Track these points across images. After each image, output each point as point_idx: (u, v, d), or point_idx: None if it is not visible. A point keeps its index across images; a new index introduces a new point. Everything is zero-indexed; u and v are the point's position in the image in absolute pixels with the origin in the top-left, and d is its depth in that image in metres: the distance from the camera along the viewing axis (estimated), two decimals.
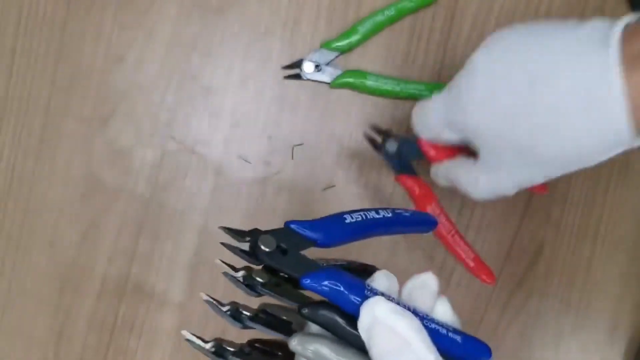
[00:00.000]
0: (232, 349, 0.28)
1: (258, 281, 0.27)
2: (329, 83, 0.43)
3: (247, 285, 0.28)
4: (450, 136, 0.36)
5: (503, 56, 0.32)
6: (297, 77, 0.44)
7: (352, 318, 0.26)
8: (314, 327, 0.28)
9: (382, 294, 0.26)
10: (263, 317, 0.29)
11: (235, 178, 0.44)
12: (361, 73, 0.43)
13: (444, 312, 0.28)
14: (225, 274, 0.28)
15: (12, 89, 0.44)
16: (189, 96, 0.44)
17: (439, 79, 0.43)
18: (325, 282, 0.26)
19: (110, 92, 0.44)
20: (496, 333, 0.44)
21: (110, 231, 0.44)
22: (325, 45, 0.43)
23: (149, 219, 0.44)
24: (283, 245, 0.27)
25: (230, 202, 0.44)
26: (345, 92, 0.44)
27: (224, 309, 0.29)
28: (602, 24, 0.29)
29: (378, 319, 0.25)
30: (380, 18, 0.43)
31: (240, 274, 0.28)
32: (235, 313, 0.29)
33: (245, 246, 0.28)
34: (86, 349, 0.45)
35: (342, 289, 0.26)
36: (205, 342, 0.28)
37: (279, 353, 0.29)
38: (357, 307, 0.26)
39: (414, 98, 0.42)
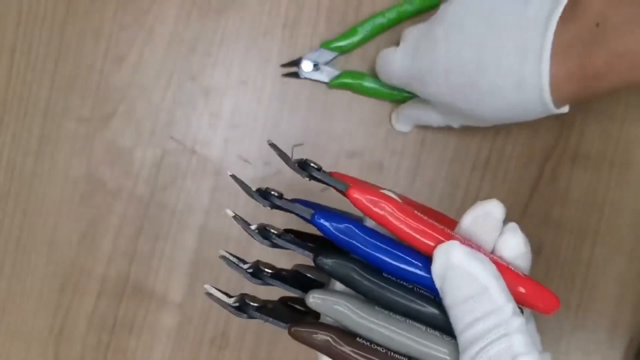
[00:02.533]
0: (255, 304, 0.27)
1: (272, 232, 0.26)
2: (327, 83, 0.43)
3: (261, 235, 0.26)
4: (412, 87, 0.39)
5: (459, 30, 0.35)
6: (295, 75, 0.44)
7: (375, 270, 0.25)
8: (339, 285, 0.27)
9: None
10: (285, 274, 0.27)
11: None
12: (359, 74, 0.43)
13: (516, 244, 0.26)
14: (240, 221, 0.27)
15: (12, 89, 0.44)
16: (189, 96, 0.44)
17: None
18: (341, 225, 0.25)
19: (110, 92, 0.44)
20: None
21: (110, 231, 0.44)
22: (325, 45, 0.43)
23: (149, 219, 0.44)
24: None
25: (230, 202, 0.44)
26: (345, 93, 0.44)
27: (245, 266, 0.27)
28: (547, 4, 0.32)
29: (454, 264, 0.24)
30: (380, 20, 0.43)
31: (255, 226, 0.27)
32: (256, 270, 0.27)
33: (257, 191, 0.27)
34: (86, 349, 0.45)
35: (358, 232, 0.25)
36: (230, 297, 0.27)
37: (307, 311, 0.28)
38: (376, 255, 0.25)
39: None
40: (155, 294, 0.45)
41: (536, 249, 0.44)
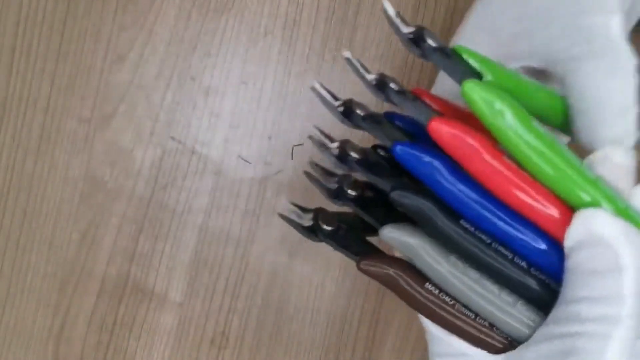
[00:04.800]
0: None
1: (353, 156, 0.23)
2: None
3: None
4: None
5: None
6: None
7: (456, 215, 0.23)
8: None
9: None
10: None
11: (235, 178, 0.44)
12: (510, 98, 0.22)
13: None
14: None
15: (12, 88, 0.44)
16: (189, 96, 0.44)
17: None
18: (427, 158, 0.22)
19: (110, 92, 0.44)
20: None
21: (110, 231, 0.44)
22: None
23: (149, 219, 0.44)
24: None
25: (230, 202, 0.44)
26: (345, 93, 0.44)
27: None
28: None
29: (597, 234, 0.20)
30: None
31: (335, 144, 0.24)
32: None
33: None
34: (86, 349, 0.45)
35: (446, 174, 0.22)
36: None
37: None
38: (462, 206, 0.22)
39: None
40: (155, 294, 0.45)
41: None
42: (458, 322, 0.24)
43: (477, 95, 0.21)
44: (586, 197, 0.21)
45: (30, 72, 0.44)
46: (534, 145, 0.21)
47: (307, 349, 0.45)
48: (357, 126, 0.24)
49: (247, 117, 0.44)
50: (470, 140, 0.21)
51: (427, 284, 0.24)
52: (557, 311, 0.21)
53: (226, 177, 0.44)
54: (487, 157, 0.21)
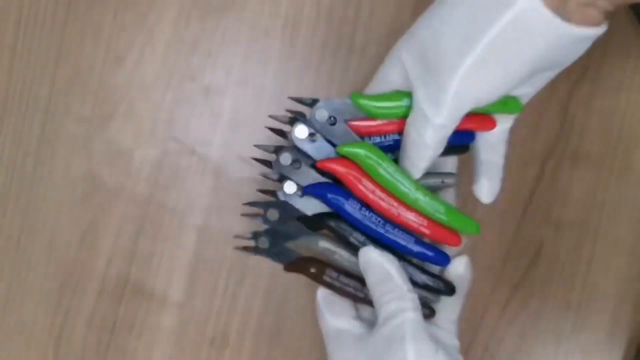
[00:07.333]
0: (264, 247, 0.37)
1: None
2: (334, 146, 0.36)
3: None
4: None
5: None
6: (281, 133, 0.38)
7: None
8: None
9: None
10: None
11: (235, 178, 0.44)
12: (379, 154, 0.35)
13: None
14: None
15: (12, 89, 0.44)
16: (189, 96, 0.44)
17: None
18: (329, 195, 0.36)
19: (110, 92, 0.44)
20: (496, 334, 0.44)
21: (110, 231, 0.44)
22: (355, 98, 0.35)
23: (149, 219, 0.44)
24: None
25: (230, 202, 0.44)
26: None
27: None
28: None
29: (370, 259, 0.36)
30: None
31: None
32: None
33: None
34: (86, 349, 0.45)
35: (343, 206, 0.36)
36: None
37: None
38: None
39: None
40: (155, 294, 0.45)
41: (536, 249, 0.44)
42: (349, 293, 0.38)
43: (348, 152, 0.35)
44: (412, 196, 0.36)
45: (30, 73, 0.44)
46: (386, 179, 0.35)
47: (307, 349, 0.45)
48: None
49: (247, 116, 0.44)
50: (346, 176, 0.36)
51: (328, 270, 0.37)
52: (375, 304, 0.36)
53: (226, 177, 0.44)
54: (360, 186, 0.36)
